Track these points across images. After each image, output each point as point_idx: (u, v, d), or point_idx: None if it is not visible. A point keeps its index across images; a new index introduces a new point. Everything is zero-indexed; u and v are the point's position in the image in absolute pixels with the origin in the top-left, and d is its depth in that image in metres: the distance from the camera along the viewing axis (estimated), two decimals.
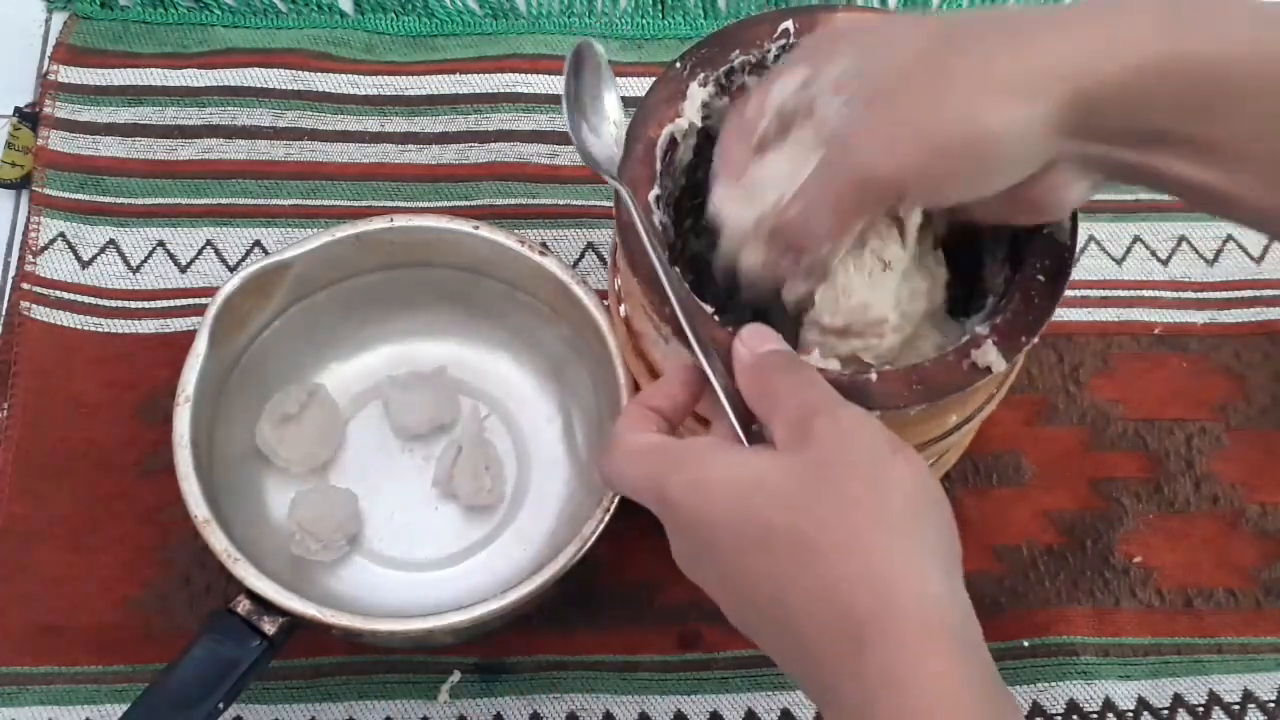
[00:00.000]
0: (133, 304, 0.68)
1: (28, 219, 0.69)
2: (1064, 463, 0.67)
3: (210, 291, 0.59)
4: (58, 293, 0.67)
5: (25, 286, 0.67)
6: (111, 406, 0.65)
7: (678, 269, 0.48)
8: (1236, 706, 0.62)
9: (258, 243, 0.70)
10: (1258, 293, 0.72)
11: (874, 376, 0.46)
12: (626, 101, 0.53)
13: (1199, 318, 0.71)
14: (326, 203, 0.71)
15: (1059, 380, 0.69)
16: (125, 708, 0.52)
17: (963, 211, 0.47)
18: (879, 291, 0.48)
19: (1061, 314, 0.70)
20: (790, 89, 0.47)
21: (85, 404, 0.65)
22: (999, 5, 0.45)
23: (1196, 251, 0.73)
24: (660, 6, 0.78)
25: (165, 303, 0.68)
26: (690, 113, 0.51)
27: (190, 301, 0.68)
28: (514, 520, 0.63)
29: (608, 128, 0.51)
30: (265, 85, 0.73)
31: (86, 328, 0.67)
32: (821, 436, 0.40)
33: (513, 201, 0.71)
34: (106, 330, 0.67)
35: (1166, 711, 0.62)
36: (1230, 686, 0.63)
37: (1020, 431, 0.67)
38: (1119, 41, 0.41)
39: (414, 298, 0.64)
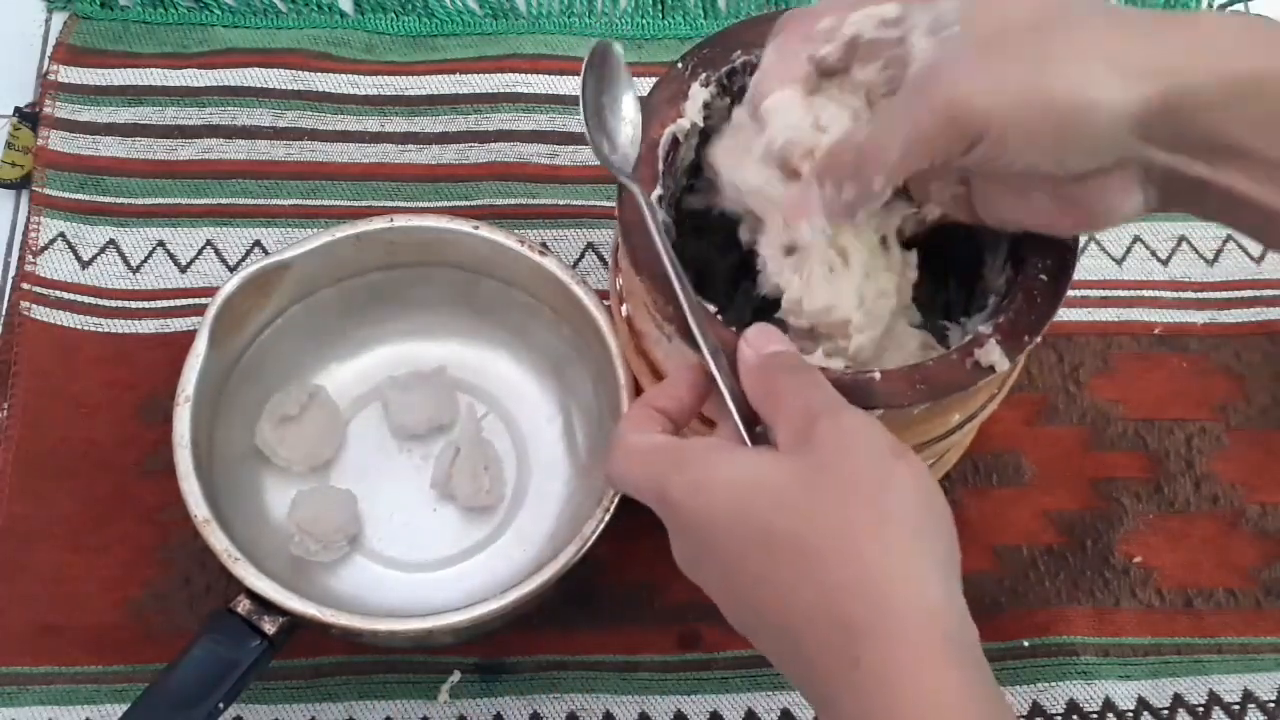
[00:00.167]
0: (133, 304, 0.68)
1: (28, 219, 0.69)
2: (1064, 463, 0.67)
3: (210, 291, 0.59)
4: (58, 293, 0.67)
5: (25, 286, 0.67)
6: (111, 406, 0.65)
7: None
8: (1236, 706, 0.62)
9: (258, 243, 0.70)
10: (1258, 293, 0.72)
11: (877, 375, 0.46)
12: None
13: (1199, 318, 0.71)
14: (326, 203, 0.71)
15: (1059, 380, 0.69)
16: (125, 708, 0.52)
17: (991, 216, 0.47)
18: (840, 292, 0.48)
19: (1061, 314, 0.69)
20: (873, 22, 0.45)
21: (85, 404, 0.65)
22: None
23: (1196, 251, 0.73)
24: (660, 6, 0.78)
25: (165, 303, 0.68)
26: (692, 113, 0.51)
27: (190, 301, 0.68)
28: (514, 520, 0.63)
29: (625, 128, 0.51)
30: (265, 85, 0.73)
31: (86, 328, 0.67)
32: (823, 440, 0.40)
33: (513, 201, 0.71)
34: (106, 330, 0.67)
35: (1166, 711, 0.62)
36: (1230, 686, 0.63)
37: (1020, 431, 0.67)
38: (1217, 51, 0.41)
39: (414, 298, 0.64)
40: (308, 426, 0.62)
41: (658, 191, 0.50)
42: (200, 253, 0.69)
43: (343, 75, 0.74)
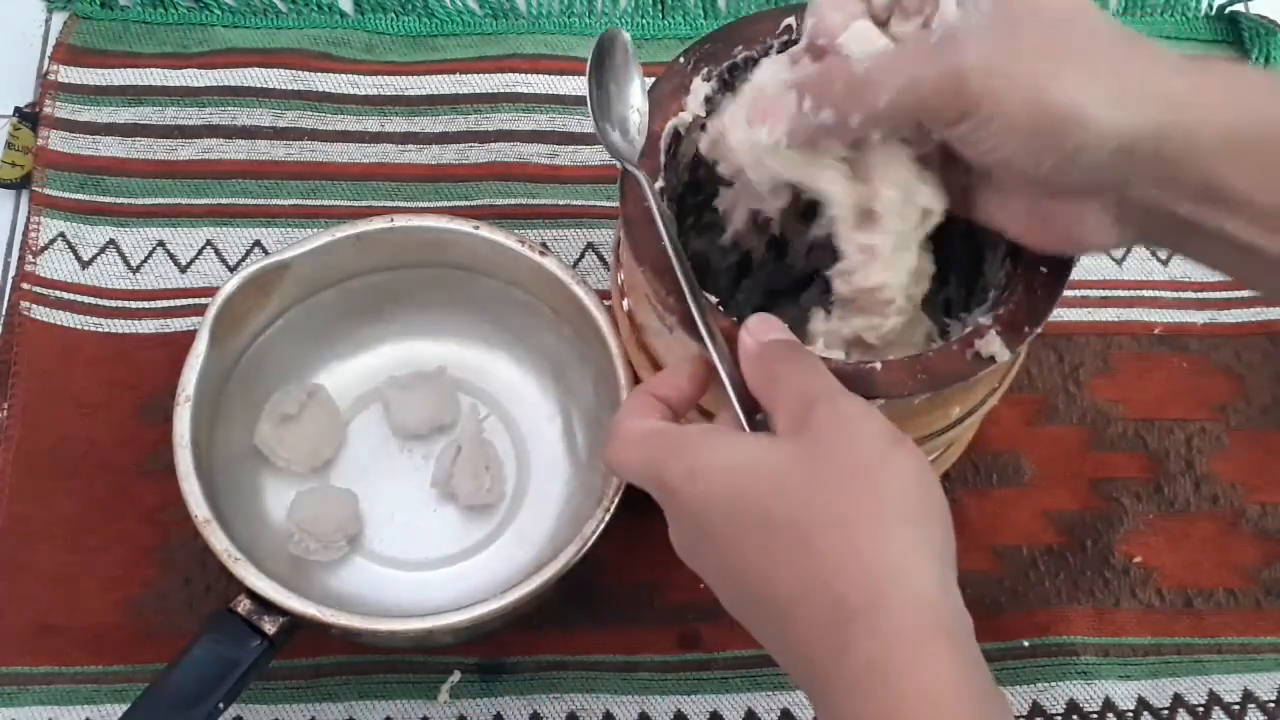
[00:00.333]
0: (133, 304, 0.68)
1: (28, 219, 0.69)
2: (1064, 463, 0.67)
3: (210, 291, 0.59)
4: (58, 293, 0.67)
5: (25, 286, 0.67)
6: (111, 406, 0.65)
7: None
8: (1236, 706, 0.62)
9: (258, 243, 0.70)
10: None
11: (878, 365, 0.46)
12: None
13: (1199, 318, 0.71)
14: (326, 203, 0.71)
15: (1059, 380, 0.69)
16: (125, 708, 0.52)
17: (980, 214, 0.47)
18: (894, 271, 0.48)
19: (1061, 314, 0.70)
20: None
21: (85, 404, 0.65)
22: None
23: None
24: (660, 6, 0.78)
25: (165, 303, 0.68)
26: (694, 107, 0.51)
27: (190, 301, 0.68)
28: (514, 520, 0.63)
29: (632, 116, 0.51)
30: (265, 85, 0.73)
31: (86, 328, 0.67)
32: (821, 424, 0.40)
33: (513, 201, 0.71)
34: (106, 330, 0.67)
35: (1166, 711, 0.62)
36: (1230, 686, 0.63)
37: (1020, 431, 0.67)
38: (1225, 97, 0.41)
39: (414, 298, 0.64)
40: (308, 426, 0.62)
41: (659, 184, 0.50)
42: (200, 253, 0.69)
43: (343, 75, 0.74)
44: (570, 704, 0.61)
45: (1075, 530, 0.65)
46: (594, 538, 0.54)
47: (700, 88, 0.51)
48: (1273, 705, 0.63)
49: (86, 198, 0.70)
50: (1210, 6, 0.81)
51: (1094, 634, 0.63)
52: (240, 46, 0.74)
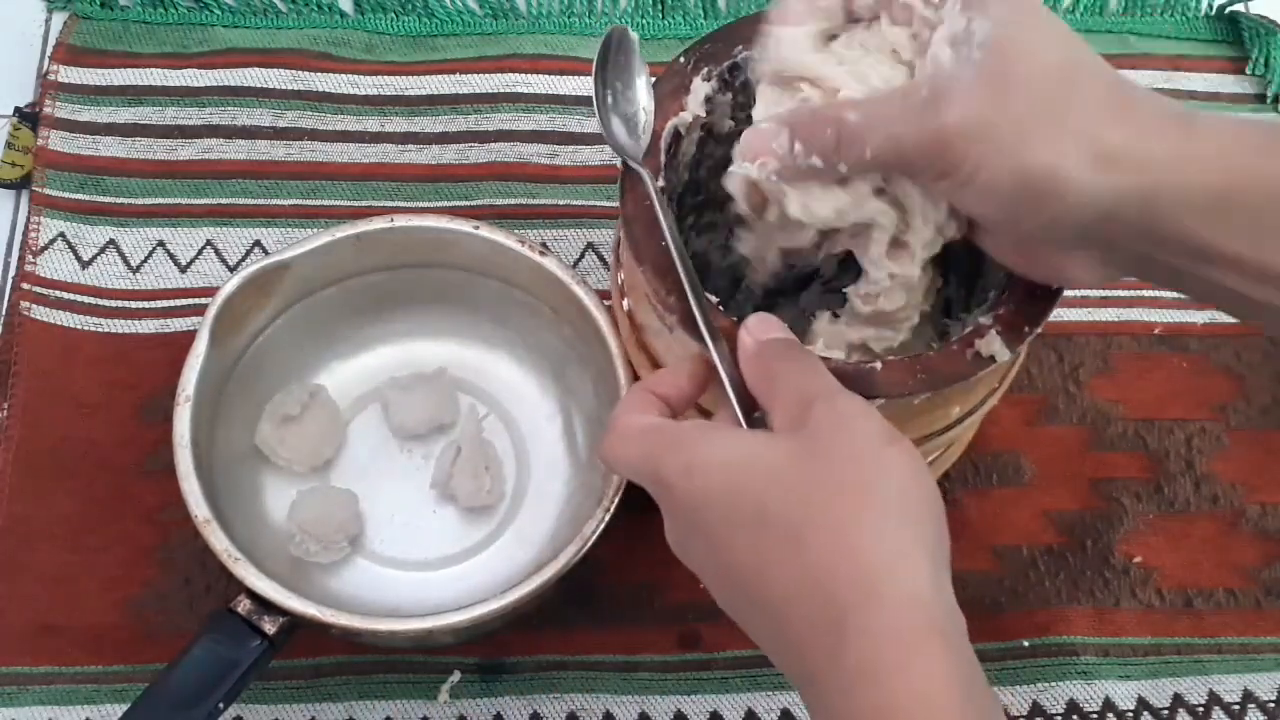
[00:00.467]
0: (133, 304, 0.68)
1: (28, 219, 0.69)
2: (1064, 463, 0.67)
3: (210, 291, 0.59)
4: (58, 293, 0.67)
5: (25, 286, 0.67)
6: (111, 406, 0.65)
7: None
8: (1236, 706, 0.62)
9: (258, 243, 0.70)
10: None
11: (878, 365, 0.47)
12: None
13: (1199, 318, 0.71)
14: (326, 203, 0.71)
15: (1059, 380, 0.69)
16: (125, 708, 0.52)
17: (975, 239, 0.47)
18: (915, 293, 0.49)
19: (1061, 314, 0.70)
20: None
21: (85, 404, 0.65)
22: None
23: None
24: (660, 6, 0.78)
25: (165, 303, 0.68)
26: (694, 106, 0.51)
27: (190, 301, 0.68)
28: (514, 520, 0.63)
29: (638, 114, 0.51)
30: (265, 85, 0.73)
31: (86, 328, 0.67)
32: (818, 422, 0.40)
33: (513, 201, 0.71)
34: (106, 330, 0.67)
35: (1166, 711, 0.62)
36: (1230, 686, 0.63)
37: (1020, 431, 0.67)
38: (1207, 154, 0.41)
39: (414, 298, 0.64)
40: (308, 426, 0.62)
41: (660, 184, 0.50)
42: (200, 253, 0.69)
43: (343, 75, 0.74)
44: (570, 704, 0.61)
45: (1075, 530, 0.65)
46: (594, 538, 0.54)
47: (700, 87, 0.51)
48: (1273, 705, 0.63)
49: (86, 198, 0.70)
50: (1210, 6, 0.81)
51: (1094, 634, 0.63)
52: (240, 46, 0.74)
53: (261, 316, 0.61)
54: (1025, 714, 0.62)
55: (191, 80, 0.73)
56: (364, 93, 0.74)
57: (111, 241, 0.69)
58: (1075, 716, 0.62)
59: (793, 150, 0.44)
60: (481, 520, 0.63)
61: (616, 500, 0.55)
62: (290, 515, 0.60)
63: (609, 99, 0.51)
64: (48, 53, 0.74)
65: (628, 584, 0.62)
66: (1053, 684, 0.62)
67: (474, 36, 0.76)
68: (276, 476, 0.62)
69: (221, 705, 0.52)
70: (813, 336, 0.51)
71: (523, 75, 0.74)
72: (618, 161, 0.50)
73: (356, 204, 0.71)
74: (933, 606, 0.38)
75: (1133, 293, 0.71)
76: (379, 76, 0.74)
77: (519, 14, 0.77)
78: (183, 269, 0.69)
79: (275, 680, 0.60)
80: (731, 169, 0.47)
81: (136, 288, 0.68)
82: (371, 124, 0.73)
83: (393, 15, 0.76)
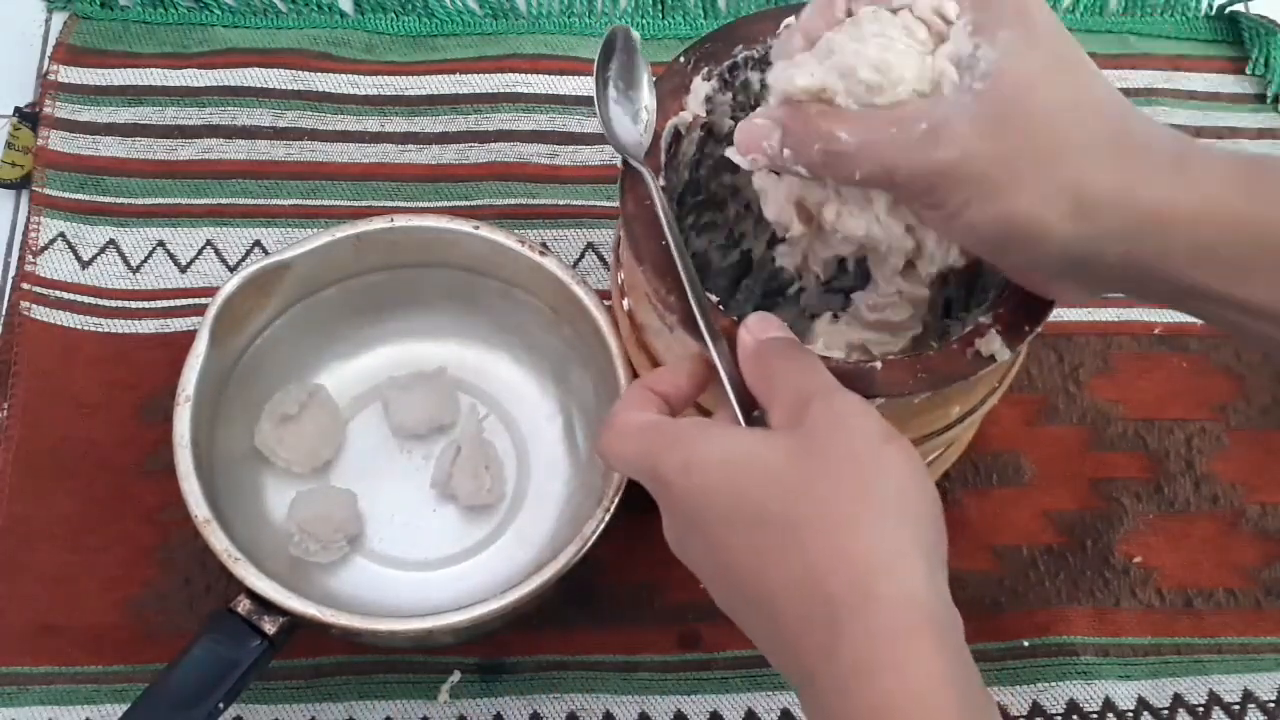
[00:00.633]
0: (133, 304, 0.68)
1: (28, 219, 0.69)
2: (1064, 463, 0.67)
3: (210, 291, 0.59)
4: (58, 293, 0.67)
5: (25, 286, 0.67)
6: (111, 406, 0.65)
7: None
8: (1236, 706, 0.62)
9: (258, 243, 0.70)
10: None
11: (878, 365, 0.47)
12: None
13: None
14: (326, 203, 0.71)
15: (1059, 380, 0.69)
16: (125, 708, 0.52)
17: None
18: (920, 306, 0.50)
19: (1061, 314, 0.70)
20: (929, 6, 0.43)
21: (85, 404, 0.65)
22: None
23: None
24: (660, 6, 0.78)
25: (165, 303, 0.68)
26: (694, 106, 0.51)
27: (190, 301, 0.68)
28: (514, 520, 0.63)
29: (641, 113, 0.51)
30: (265, 85, 0.73)
31: (86, 328, 0.67)
32: (816, 420, 0.40)
33: (513, 201, 0.71)
34: (106, 330, 0.67)
35: (1166, 711, 0.62)
36: (1230, 686, 0.63)
37: (1020, 431, 0.67)
38: (1195, 197, 0.41)
39: (414, 298, 0.64)
40: (308, 426, 0.62)
41: (660, 183, 0.50)
42: (200, 253, 0.69)
43: (343, 75, 0.74)
44: (570, 704, 0.61)
45: (1075, 530, 0.65)
46: (594, 538, 0.54)
47: (700, 87, 0.51)
48: (1273, 705, 0.63)
49: (86, 198, 0.70)
50: (1210, 6, 0.81)
51: (1094, 634, 0.63)
52: (240, 46, 0.74)
53: (261, 316, 0.61)
54: (1025, 714, 0.62)
55: (191, 80, 0.73)
56: (364, 93, 0.74)
57: (111, 241, 0.69)
58: (1075, 716, 0.62)
59: (782, 154, 0.44)
60: (481, 520, 0.63)
61: (616, 500, 0.55)
62: (290, 515, 0.60)
63: (611, 98, 0.51)
64: (48, 53, 0.74)
65: (628, 584, 0.62)
66: (1053, 684, 0.62)
67: (474, 36, 0.76)
68: (276, 476, 0.62)
69: (221, 705, 0.52)
70: (813, 336, 0.51)
71: (523, 75, 0.74)
72: (618, 161, 0.50)
73: (356, 204, 0.71)
74: (930, 606, 0.38)
75: None
76: (379, 76, 0.74)
77: (519, 14, 0.77)
78: (183, 269, 0.69)
79: (275, 680, 0.60)
80: (755, 179, 0.48)
81: (136, 288, 0.68)
82: (371, 124, 0.73)
83: (393, 15, 0.76)
